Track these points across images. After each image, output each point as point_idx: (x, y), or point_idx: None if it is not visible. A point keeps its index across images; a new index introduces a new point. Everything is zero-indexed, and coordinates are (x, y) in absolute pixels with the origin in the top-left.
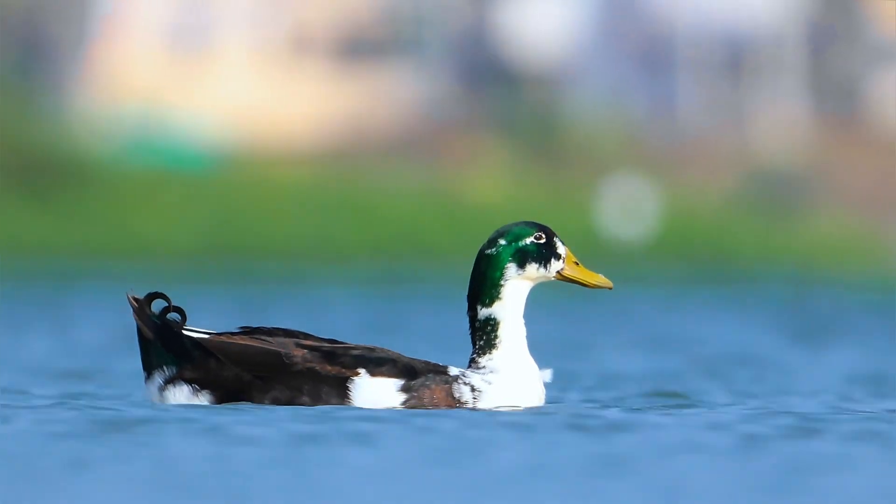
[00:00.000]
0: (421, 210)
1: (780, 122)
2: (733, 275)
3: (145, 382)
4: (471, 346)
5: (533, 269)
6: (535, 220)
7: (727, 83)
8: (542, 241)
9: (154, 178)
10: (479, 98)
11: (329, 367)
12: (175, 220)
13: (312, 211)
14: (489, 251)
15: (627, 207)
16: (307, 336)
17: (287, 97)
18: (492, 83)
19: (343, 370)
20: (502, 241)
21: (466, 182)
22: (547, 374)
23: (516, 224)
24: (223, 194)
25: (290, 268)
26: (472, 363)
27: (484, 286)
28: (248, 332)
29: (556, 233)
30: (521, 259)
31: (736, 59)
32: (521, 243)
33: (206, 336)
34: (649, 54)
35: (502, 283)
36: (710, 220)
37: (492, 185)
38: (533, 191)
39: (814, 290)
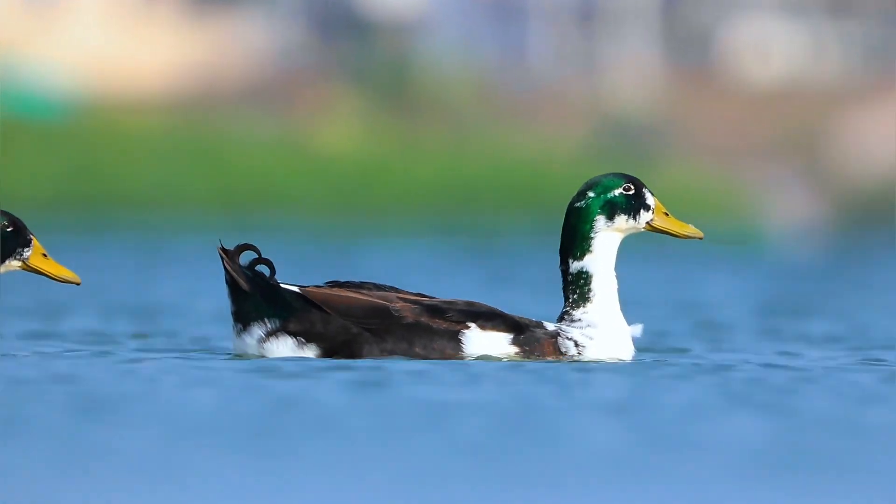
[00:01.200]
0: (273, 159)
1: (632, 71)
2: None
3: (238, 335)
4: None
5: (622, 220)
6: (622, 172)
7: (579, 32)
8: (631, 192)
9: (6, 128)
10: (331, 47)
11: (439, 321)
12: (28, 169)
13: (165, 160)
14: (578, 204)
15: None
16: (397, 290)
17: (140, 45)
18: (345, 32)
19: (453, 324)
20: (591, 194)
21: (319, 131)
22: (638, 330)
23: (605, 176)
24: (76, 144)
25: (143, 217)
26: (565, 316)
27: (575, 239)
28: (338, 284)
29: (644, 184)
30: (611, 211)
31: (588, 7)
32: (610, 195)
33: (309, 289)
34: (501, 3)
35: (592, 235)
36: (561, 169)
37: (345, 135)
38: (385, 140)
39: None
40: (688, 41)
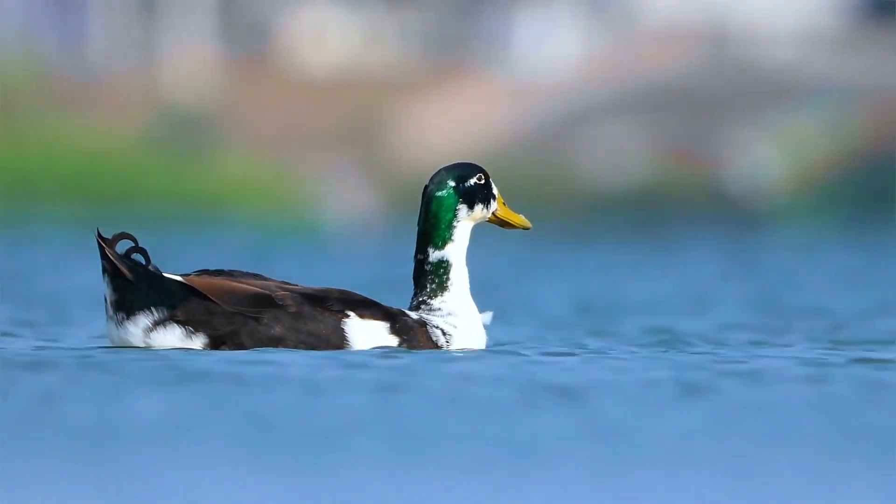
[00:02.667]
0: None
1: (190, 62)
2: (140, 215)
3: (118, 324)
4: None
5: (479, 209)
6: (469, 161)
7: (139, 22)
8: (483, 181)
9: None
10: None
11: (321, 310)
12: None
13: None
14: (440, 193)
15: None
16: (264, 277)
17: None
18: None
19: (335, 313)
20: (451, 183)
21: None
22: (487, 317)
23: (457, 164)
24: None
25: None
26: (422, 305)
27: (437, 228)
28: (209, 273)
29: (489, 172)
30: (471, 200)
31: None
32: (468, 183)
33: (191, 277)
34: None
35: (455, 224)
36: (119, 160)
37: None
38: None
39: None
40: (246, 31)
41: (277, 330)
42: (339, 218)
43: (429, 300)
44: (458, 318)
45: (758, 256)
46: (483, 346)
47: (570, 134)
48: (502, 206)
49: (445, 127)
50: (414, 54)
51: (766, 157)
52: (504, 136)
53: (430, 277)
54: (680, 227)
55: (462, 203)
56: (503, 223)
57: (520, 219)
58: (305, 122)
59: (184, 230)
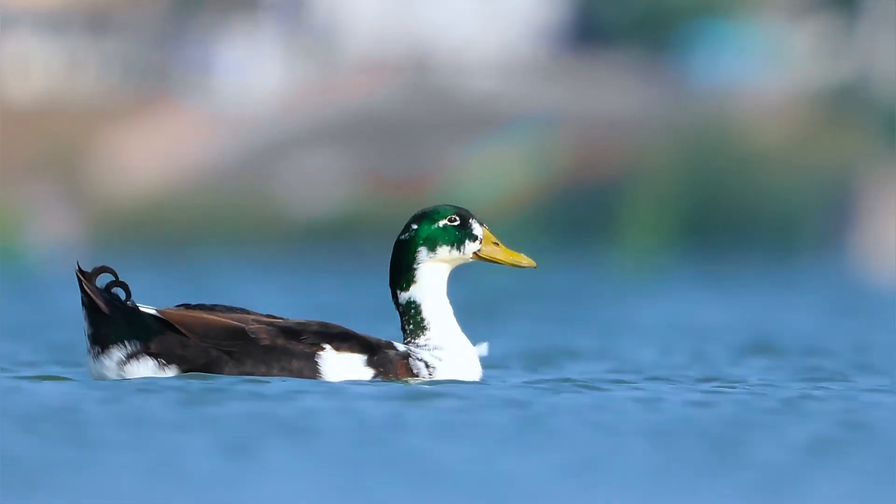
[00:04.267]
0: None
1: None
2: None
3: (95, 357)
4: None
5: (445, 251)
6: (451, 203)
7: None
8: (457, 223)
9: None
10: None
11: (295, 343)
12: None
13: None
14: (402, 237)
15: None
16: (247, 312)
17: None
18: None
19: (309, 346)
20: (414, 226)
21: None
22: (483, 349)
23: (434, 207)
24: None
25: None
26: (409, 344)
27: (400, 271)
28: (190, 307)
29: (473, 214)
30: (432, 243)
31: None
32: (434, 227)
33: (167, 311)
34: None
35: (415, 266)
36: None
37: None
38: None
39: None
40: None
41: (248, 363)
42: (41, 245)
43: (413, 339)
44: (444, 350)
45: (463, 282)
46: (477, 377)
47: (271, 163)
48: (492, 245)
49: (147, 155)
50: (116, 83)
51: (468, 184)
52: (205, 165)
53: (405, 318)
54: (386, 254)
55: (423, 245)
56: (498, 262)
57: (516, 256)
58: (7, 151)
59: None
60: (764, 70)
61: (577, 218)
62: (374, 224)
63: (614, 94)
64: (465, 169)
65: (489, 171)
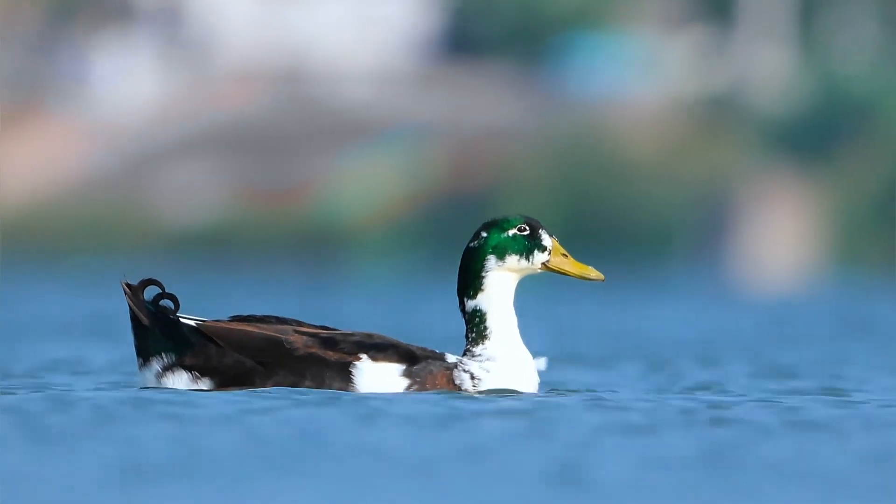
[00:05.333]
0: None
1: None
2: None
3: (140, 369)
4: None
5: (514, 260)
6: (524, 214)
7: None
8: (526, 232)
9: None
10: None
11: (330, 353)
12: None
13: None
14: (472, 244)
15: None
16: (300, 323)
17: None
18: None
19: (345, 355)
20: (484, 234)
21: None
22: (542, 363)
23: (505, 216)
24: None
25: None
26: (466, 352)
27: (468, 279)
28: (241, 319)
29: (542, 225)
30: (501, 251)
31: None
32: (503, 235)
33: (205, 323)
34: None
35: (483, 274)
36: None
37: None
38: None
39: None
40: None
41: (280, 374)
42: None
43: (471, 347)
44: (495, 362)
45: (337, 291)
46: (533, 390)
47: (146, 173)
48: (560, 257)
49: (22, 165)
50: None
51: (344, 194)
52: (80, 175)
53: (469, 326)
54: (257, 264)
55: (492, 254)
56: (567, 274)
57: (585, 269)
58: None
59: None
60: (639, 80)
61: (452, 228)
62: (248, 234)
63: (489, 105)
64: (340, 179)
65: (364, 182)
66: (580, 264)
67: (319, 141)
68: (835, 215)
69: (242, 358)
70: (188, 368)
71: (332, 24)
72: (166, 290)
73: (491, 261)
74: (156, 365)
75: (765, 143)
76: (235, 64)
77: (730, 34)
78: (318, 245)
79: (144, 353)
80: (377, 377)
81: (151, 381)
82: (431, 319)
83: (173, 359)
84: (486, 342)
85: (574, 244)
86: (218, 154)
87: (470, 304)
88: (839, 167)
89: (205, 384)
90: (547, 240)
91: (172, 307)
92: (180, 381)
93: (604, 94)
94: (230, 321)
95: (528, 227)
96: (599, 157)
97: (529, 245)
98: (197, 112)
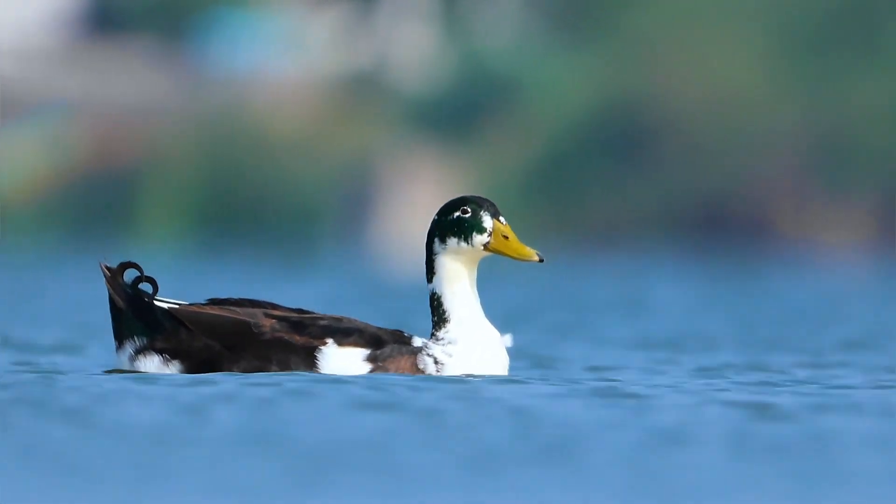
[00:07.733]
0: None
1: None
2: None
3: (116, 351)
4: None
5: (454, 243)
6: (476, 194)
7: None
8: (467, 214)
9: None
10: None
11: (297, 337)
12: None
13: None
14: (429, 229)
15: None
16: (275, 306)
17: None
18: None
19: (311, 340)
20: (435, 218)
21: None
22: (507, 340)
23: (459, 198)
24: None
25: None
26: (432, 336)
27: (426, 263)
28: (216, 302)
29: (486, 206)
30: (442, 235)
31: None
32: (445, 218)
33: (177, 306)
34: None
35: (433, 258)
36: None
37: None
38: None
39: None
40: None
41: (246, 358)
42: None
43: (435, 331)
44: (457, 345)
45: None
46: (503, 371)
47: None
48: (500, 238)
49: None
50: None
51: None
52: None
53: (432, 310)
54: None
55: (436, 237)
56: (505, 255)
57: (522, 251)
58: None
59: None
60: (282, 58)
61: (94, 206)
62: None
63: (131, 83)
64: None
65: (6, 159)
66: (518, 246)
67: None
68: (477, 191)
69: (211, 342)
70: (159, 352)
71: None
72: (145, 274)
73: (436, 244)
74: (129, 348)
75: (408, 120)
76: None
77: (374, 12)
78: None
79: (119, 336)
80: (342, 361)
81: (125, 364)
82: (54, 302)
83: (145, 342)
84: (448, 325)
85: (219, 223)
86: None
87: (429, 287)
88: (482, 144)
89: (174, 368)
90: (488, 221)
91: (151, 291)
92: (151, 364)
93: (248, 72)
94: (204, 305)
95: (469, 209)
96: (244, 136)
97: (467, 227)
98: None
